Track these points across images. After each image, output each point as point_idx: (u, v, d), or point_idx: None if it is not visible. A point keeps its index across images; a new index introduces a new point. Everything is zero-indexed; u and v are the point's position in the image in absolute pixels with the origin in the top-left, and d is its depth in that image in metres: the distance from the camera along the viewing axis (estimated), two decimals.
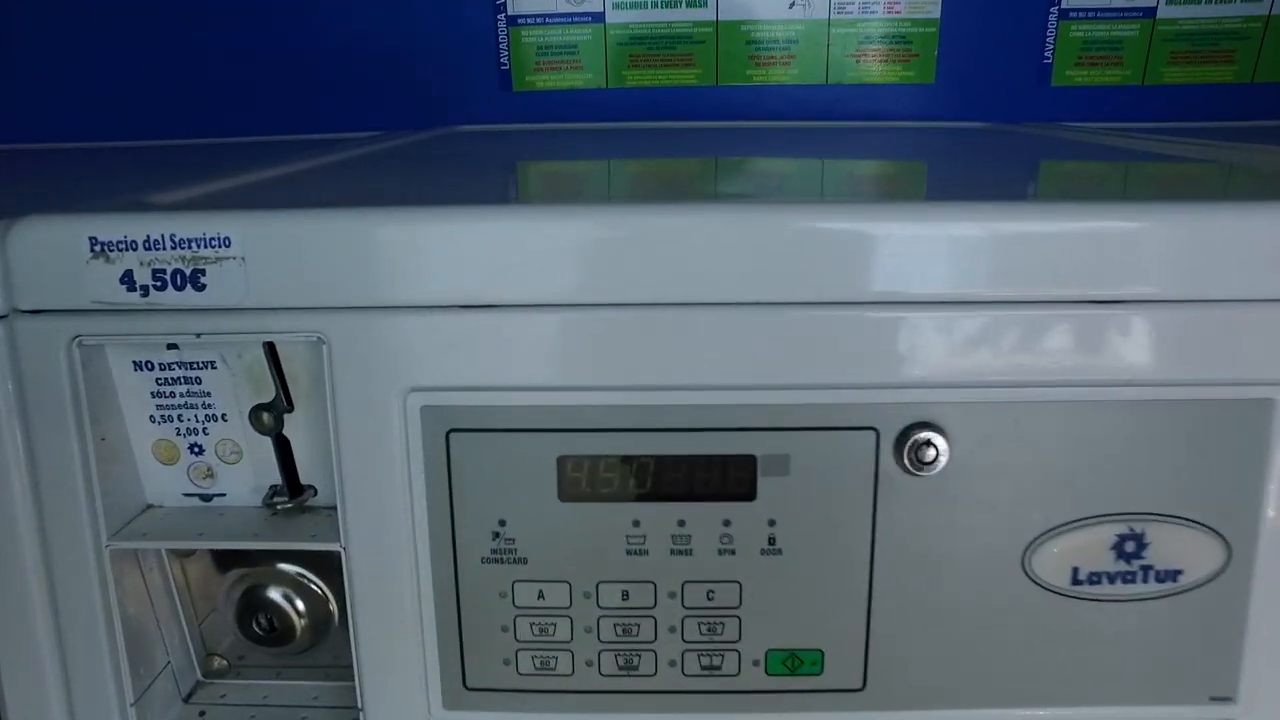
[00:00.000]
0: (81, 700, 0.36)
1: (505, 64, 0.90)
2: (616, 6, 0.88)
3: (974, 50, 0.91)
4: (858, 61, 0.91)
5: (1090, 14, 0.89)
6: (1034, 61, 0.91)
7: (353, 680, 0.35)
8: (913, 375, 0.30)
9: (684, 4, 0.88)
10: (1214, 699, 0.34)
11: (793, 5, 0.88)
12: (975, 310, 0.30)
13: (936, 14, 0.89)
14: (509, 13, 0.88)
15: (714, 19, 0.89)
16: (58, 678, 0.35)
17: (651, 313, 0.31)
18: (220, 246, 0.31)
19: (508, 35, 0.89)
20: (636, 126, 0.91)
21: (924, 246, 0.30)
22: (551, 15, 0.89)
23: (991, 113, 0.92)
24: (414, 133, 0.87)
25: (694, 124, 0.92)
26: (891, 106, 0.92)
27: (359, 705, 0.35)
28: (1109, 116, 0.92)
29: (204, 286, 0.31)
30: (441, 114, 0.93)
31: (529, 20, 0.89)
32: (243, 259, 0.31)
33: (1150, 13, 0.89)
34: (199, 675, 0.41)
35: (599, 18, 0.89)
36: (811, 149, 0.72)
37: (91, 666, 0.35)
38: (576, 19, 0.89)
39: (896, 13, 0.89)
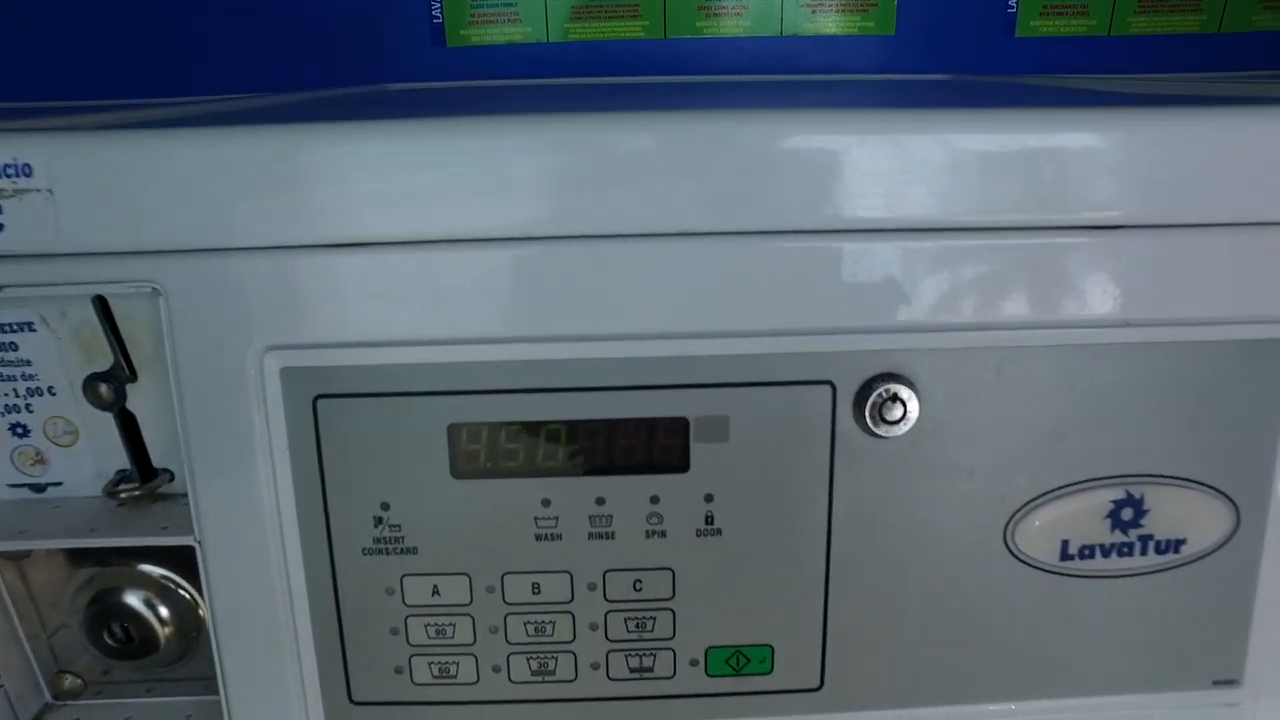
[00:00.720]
0: None
1: (438, 17, 0.83)
2: None
3: (935, 0, 0.86)
4: (813, 12, 0.85)
5: None
6: (998, 12, 0.87)
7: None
8: (874, 319, 0.25)
9: None
10: (1217, 683, 0.29)
11: None
12: (947, 239, 0.25)
13: None
14: None
15: None
16: None
17: (560, 248, 0.25)
18: (18, 176, 0.25)
19: None
20: (580, 83, 0.85)
21: (885, 162, 0.25)
22: None
23: (954, 65, 0.88)
24: (334, 89, 0.80)
25: (641, 79, 0.86)
26: (849, 59, 0.87)
27: None
28: (1075, 69, 0.88)
29: (1, 226, 0.25)
30: (374, 72, 0.85)
31: None
32: (49, 191, 0.25)
33: None
34: (48, 698, 0.35)
35: None
36: (764, 102, 0.66)
37: None
38: None
39: None
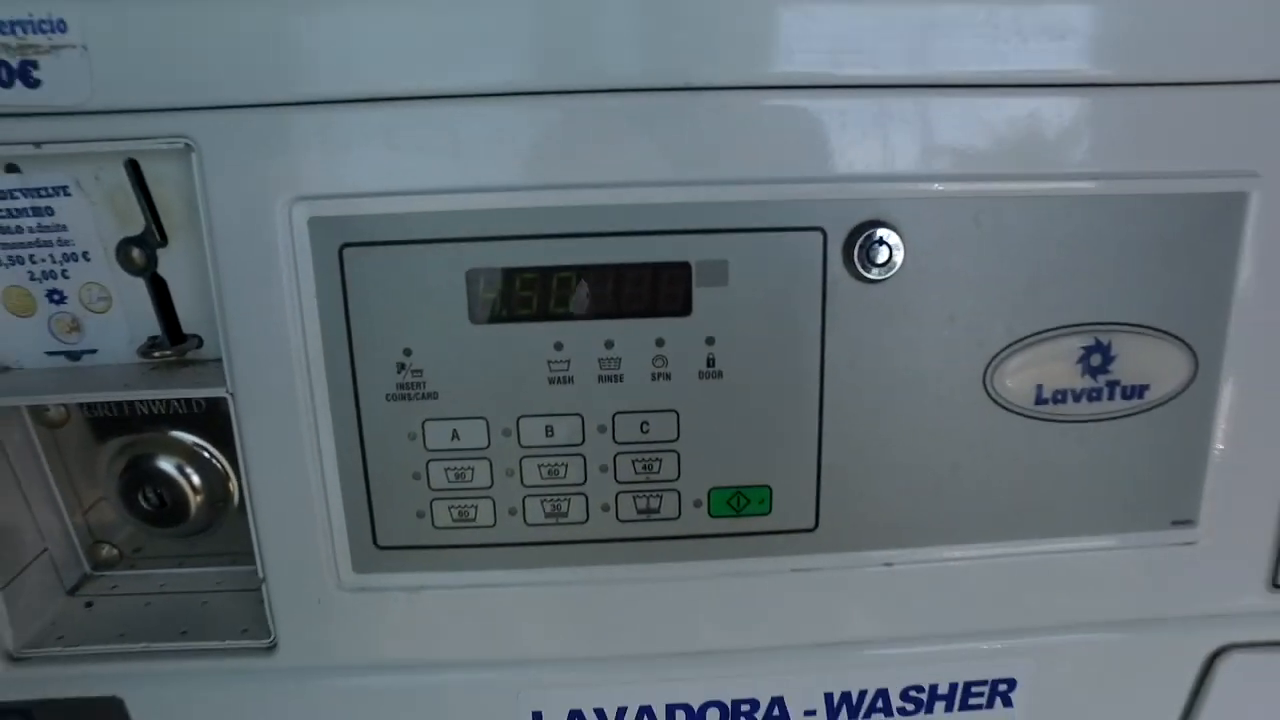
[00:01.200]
0: None
1: None
2: None
3: None
4: None
5: None
6: None
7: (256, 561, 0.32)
8: (862, 168, 0.27)
9: None
10: (1175, 523, 0.32)
11: None
12: (929, 94, 0.27)
13: None
14: None
15: None
16: None
17: (570, 101, 0.27)
18: (54, 31, 0.26)
19: None
20: None
21: (868, 19, 0.26)
22: None
23: None
24: None
25: None
26: None
27: (260, 574, 0.32)
28: None
29: (37, 82, 0.27)
30: None
31: None
32: (84, 47, 0.26)
33: None
34: (86, 568, 0.37)
35: None
36: None
37: None
38: None
39: None
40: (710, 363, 0.29)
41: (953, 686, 0.33)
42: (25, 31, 0.26)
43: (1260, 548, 0.33)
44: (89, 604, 0.36)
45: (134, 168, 0.29)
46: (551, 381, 0.29)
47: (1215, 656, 0.35)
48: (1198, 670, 0.35)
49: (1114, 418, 0.30)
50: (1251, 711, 0.36)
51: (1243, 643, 0.35)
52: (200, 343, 0.32)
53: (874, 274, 0.28)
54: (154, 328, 0.32)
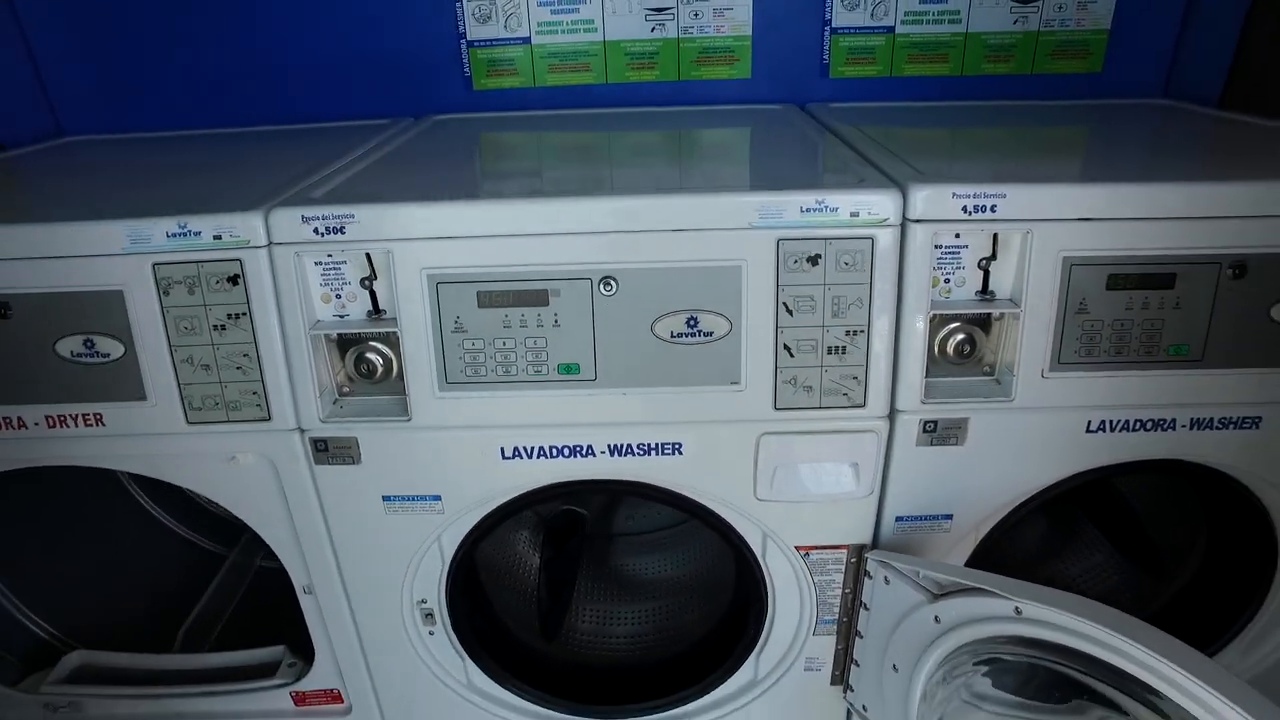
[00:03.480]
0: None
1: (467, 73, 1.43)
2: (538, 33, 1.40)
3: (776, 55, 1.42)
4: (698, 65, 1.42)
5: (851, 30, 1.40)
6: (816, 62, 1.43)
7: None
8: None
9: (582, 31, 1.39)
10: (732, 382, 0.90)
11: (653, 30, 1.39)
12: None
13: (749, 32, 1.40)
14: (468, 39, 1.40)
15: (601, 40, 1.40)
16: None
17: None
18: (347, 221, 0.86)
19: (468, 54, 1.41)
20: (554, 114, 1.44)
21: None
22: (496, 39, 1.40)
23: (789, 97, 1.44)
24: (411, 120, 1.41)
25: (592, 111, 1.44)
26: (722, 94, 1.45)
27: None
28: (867, 98, 1.44)
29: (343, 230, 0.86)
30: (427, 105, 1.46)
31: (481, 43, 1.40)
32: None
33: (890, 29, 1.40)
34: (336, 395, 0.98)
35: (526, 40, 1.40)
36: (667, 125, 1.26)
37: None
38: (512, 42, 1.40)
39: (723, 32, 1.40)
40: None
41: (644, 446, 0.93)
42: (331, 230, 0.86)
43: (767, 391, 0.90)
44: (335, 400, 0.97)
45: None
46: None
47: (760, 439, 0.93)
48: (754, 445, 0.93)
49: (702, 344, 0.88)
50: (783, 475, 0.94)
51: (771, 432, 0.93)
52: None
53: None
54: None
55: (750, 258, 0.86)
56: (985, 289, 0.91)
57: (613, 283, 0.86)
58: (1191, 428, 0.95)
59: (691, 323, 0.88)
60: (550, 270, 0.87)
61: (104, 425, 0.94)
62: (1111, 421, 0.94)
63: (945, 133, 1.25)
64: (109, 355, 0.91)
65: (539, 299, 0.87)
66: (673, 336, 0.89)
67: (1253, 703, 0.65)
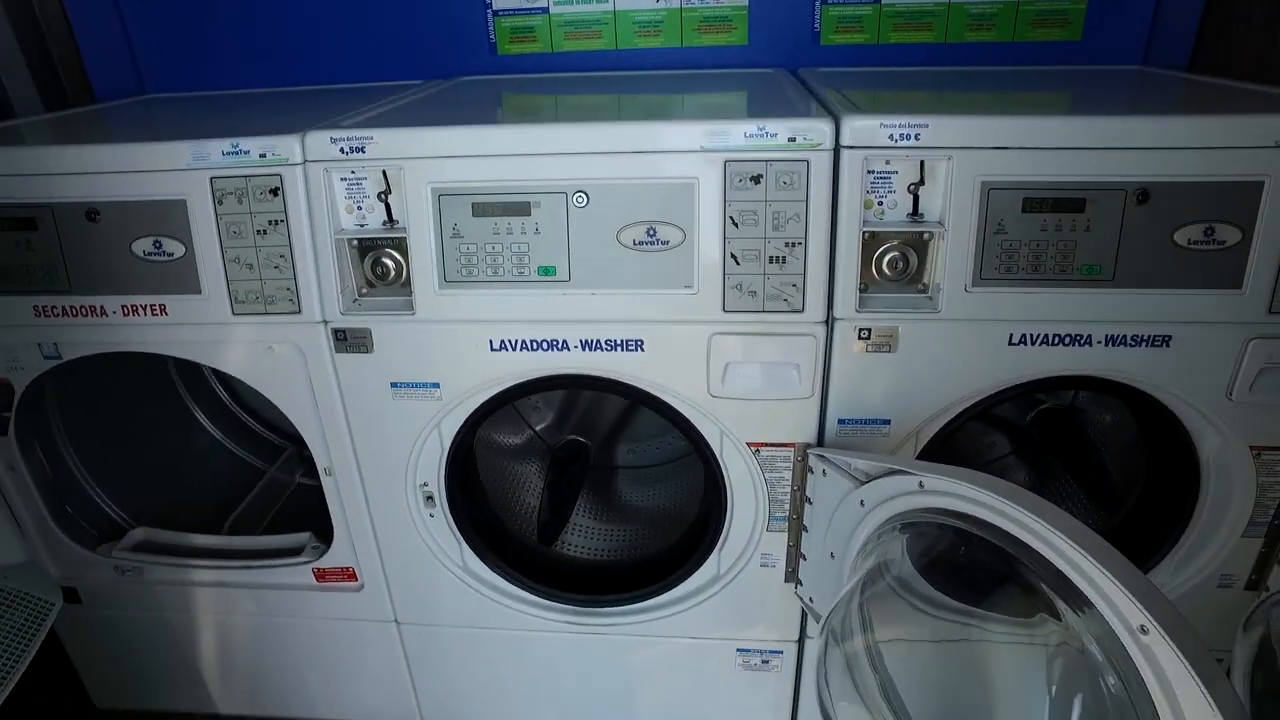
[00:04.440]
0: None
1: (493, 39, 1.61)
2: (556, 3, 1.58)
3: (771, 23, 1.57)
4: (700, 32, 1.58)
5: (840, 0, 1.54)
6: (808, 30, 1.57)
7: None
8: None
9: (595, 1, 1.57)
10: (685, 286, 1.05)
11: (659, 1, 1.56)
12: None
13: (746, 2, 1.55)
14: (494, 8, 1.59)
15: (613, 10, 1.57)
16: None
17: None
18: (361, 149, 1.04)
19: (493, 21, 1.60)
20: (569, 76, 1.61)
21: None
22: (518, 9, 1.59)
23: (783, 62, 1.58)
24: (441, 80, 1.60)
25: (603, 73, 1.61)
26: (721, 59, 1.60)
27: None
28: (856, 63, 1.58)
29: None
30: (456, 68, 1.65)
31: (505, 12, 1.59)
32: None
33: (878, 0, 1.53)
34: (356, 295, 1.16)
35: (545, 10, 1.58)
36: (665, 84, 1.42)
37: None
38: (533, 12, 1.58)
39: (722, 2, 1.55)
40: None
41: (610, 341, 1.08)
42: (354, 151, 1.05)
43: (716, 295, 1.05)
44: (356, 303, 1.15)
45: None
46: None
47: (711, 338, 1.08)
48: (706, 343, 1.08)
49: (660, 251, 1.04)
50: (732, 372, 1.09)
51: (721, 332, 1.07)
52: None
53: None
54: None
55: (701, 176, 1.01)
56: (916, 211, 1.04)
57: (584, 196, 1.03)
58: (1107, 344, 1.06)
59: (651, 232, 1.04)
60: (532, 185, 1.04)
61: (167, 315, 1.15)
62: (1032, 335, 1.06)
63: (912, 91, 1.38)
64: (173, 254, 1.12)
65: (523, 209, 1.04)
66: (635, 244, 1.04)
67: (1096, 548, 0.77)
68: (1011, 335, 1.06)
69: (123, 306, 1.15)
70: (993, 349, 1.07)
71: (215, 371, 1.73)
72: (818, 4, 1.54)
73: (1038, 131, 0.98)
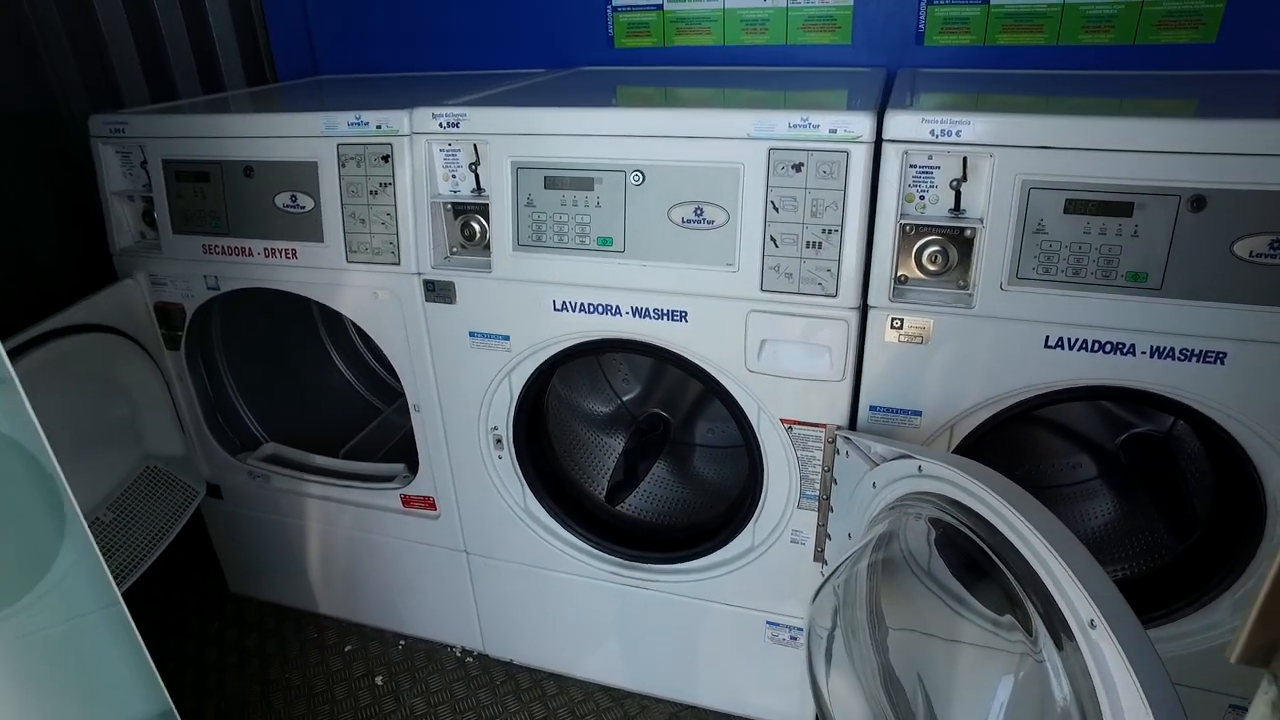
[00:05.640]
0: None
1: (611, 33, 1.76)
2: (670, 1, 1.70)
3: (874, 24, 1.61)
4: (804, 31, 1.65)
5: (947, 0, 1.55)
6: (912, 30, 1.59)
7: None
8: None
9: (704, 1, 1.67)
10: (727, 264, 1.14)
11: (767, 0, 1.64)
12: None
13: (850, 2, 1.60)
14: (612, 4, 1.73)
15: (722, 7, 1.67)
16: None
17: None
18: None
19: (612, 17, 1.74)
20: (675, 69, 1.73)
21: None
22: (635, 5, 1.72)
23: (885, 63, 1.62)
24: (562, 69, 1.77)
25: (712, 68, 1.71)
26: (824, 58, 1.66)
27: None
28: (960, 65, 1.58)
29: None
30: (577, 59, 1.81)
31: (624, 8, 1.73)
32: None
33: (987, 0, 1.53)
34: (448, 253, 1.34)
35: (660, 7, 1.71)
36: (758, 79, 1.52)
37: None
38: (648, 8, 1.71)
39: (827, 1, 1.61)
40: None
41: (658, 310, 1.19)
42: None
43: (755, 274, 1.13)
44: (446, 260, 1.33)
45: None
46: None
47: (749, 315, 1.16)
48: (744, 319, 1.16)
49: (706, 229, 1.13)
50: (769, 350, 1.16)
51: (758, 310, 1.15)
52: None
53: None
54: None
55: (747, 162, 1.10)
56: (958, 207, 1.07)
57: (641, 175, 1.14)
58: (1153, 355, 1.04)
59: (698, 212, 1.14)
60: (596, 163, 1.16)
61: (296, 258, 1.38)
62: (1069, 339, 1.06)
63: (1008, 95, 1.38)
64: (304, 207, 1.35)
65: (587, 184, 1.18)
66: (684, 222, 1.15)
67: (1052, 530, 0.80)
68: (1048, 338, 1.07)
69: (265, 249, 1.40)
70: (1028, 350, 1.08)
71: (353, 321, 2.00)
72: (923, 4, 1.56)
73: (1081, 132, 0.99)
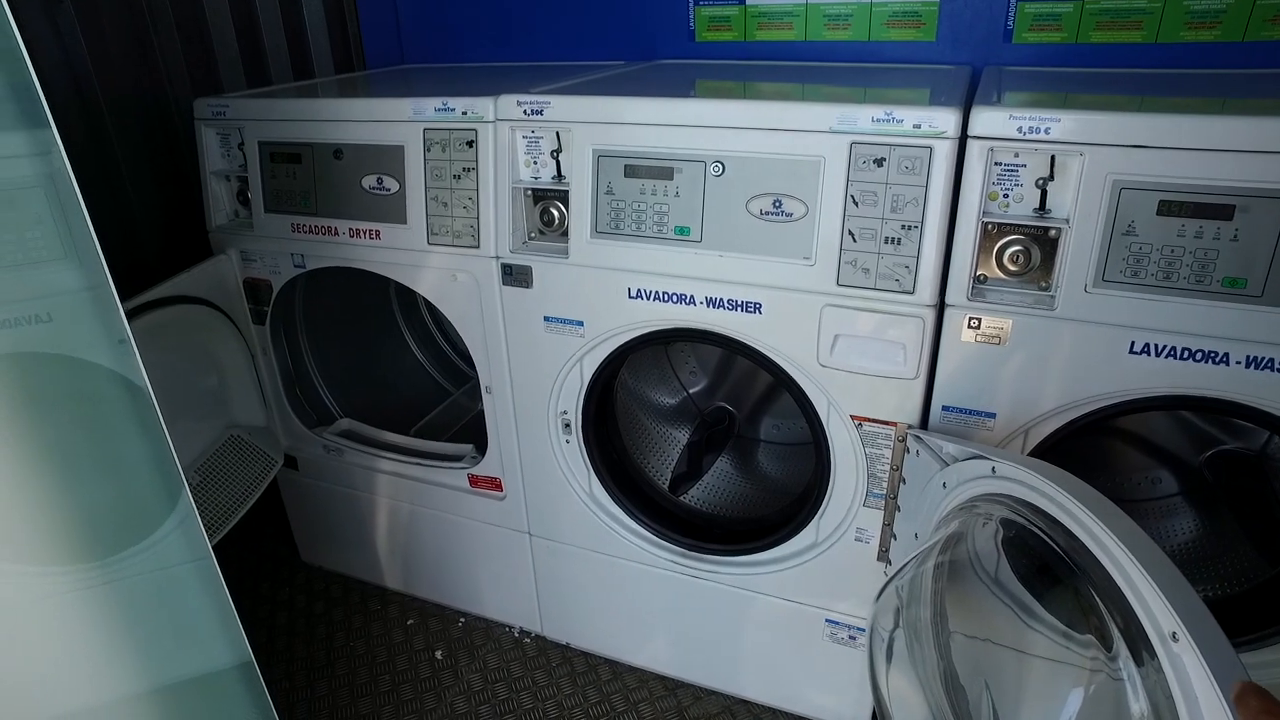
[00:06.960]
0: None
1: (692, 27, 1.78)
2: None
3: (961, 20, 1.59)
4: (888, 27, 1.64)
5: None
6: (1000, 27, 1.57)
7: None
8: None
9: None
10: (805, 257, 1.14)
11: None
12: None
13: None
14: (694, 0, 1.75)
15: (804, 3, 1.67)
16: None
17: None
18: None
19: (693, 11, 1.76)
20: (756, 63, 1.74)
21: None
22: (717, 1, 1.73)
23: (970, 60, 1.60)
24: (644, 62, 1.79)
25: (793, 63, 1.72)
26: (908, 54, 1.64)
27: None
28: (1050, 63, 1.55)
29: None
30: (658, 52, 1.83)
31: (705, 2, 1.75)
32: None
33: None
34: (526, 238, 1.38)
35: (741, 1, 1.72)
36: (840, 75, 1.52)
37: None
38: (730, 2, 1.73)
39: None
40: None
41: (732, 301, 1.20)
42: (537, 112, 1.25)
43: (831, 268, 1.13)
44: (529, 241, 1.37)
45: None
46: None
47: (823, 309, 1.16)
48: (818, 313, 1.16)
49: (784, 222, 1.14)
50: (841, 345, 1.17)
51: (833, 304, 1.15)
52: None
53: None
54: None
55: (828, 155, 1.11)
56: (1043, 207, 1.06)
57: (720, 166, 1.16)
58: (1249, 366, 1.01)
59: (777, 204, 1.15)
60: (676, 152, 1.19)
61: (380, 239, 1.44)
62: (1156, 346, 1.04)
63: (1082, 94, 1.35)
64: (389, 190, 1.40)
65: (666, 174, 1.20)
66: (762, 214, 1.16)
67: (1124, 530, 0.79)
68: (1133, 343, 1.05)
69: (350, 229, 1.46)
70: (1111, 355, 1.06)
71: (427, 304, 2.06)
72: (1013, 1, 1.54)
73: (1179, 130, 0.97)
